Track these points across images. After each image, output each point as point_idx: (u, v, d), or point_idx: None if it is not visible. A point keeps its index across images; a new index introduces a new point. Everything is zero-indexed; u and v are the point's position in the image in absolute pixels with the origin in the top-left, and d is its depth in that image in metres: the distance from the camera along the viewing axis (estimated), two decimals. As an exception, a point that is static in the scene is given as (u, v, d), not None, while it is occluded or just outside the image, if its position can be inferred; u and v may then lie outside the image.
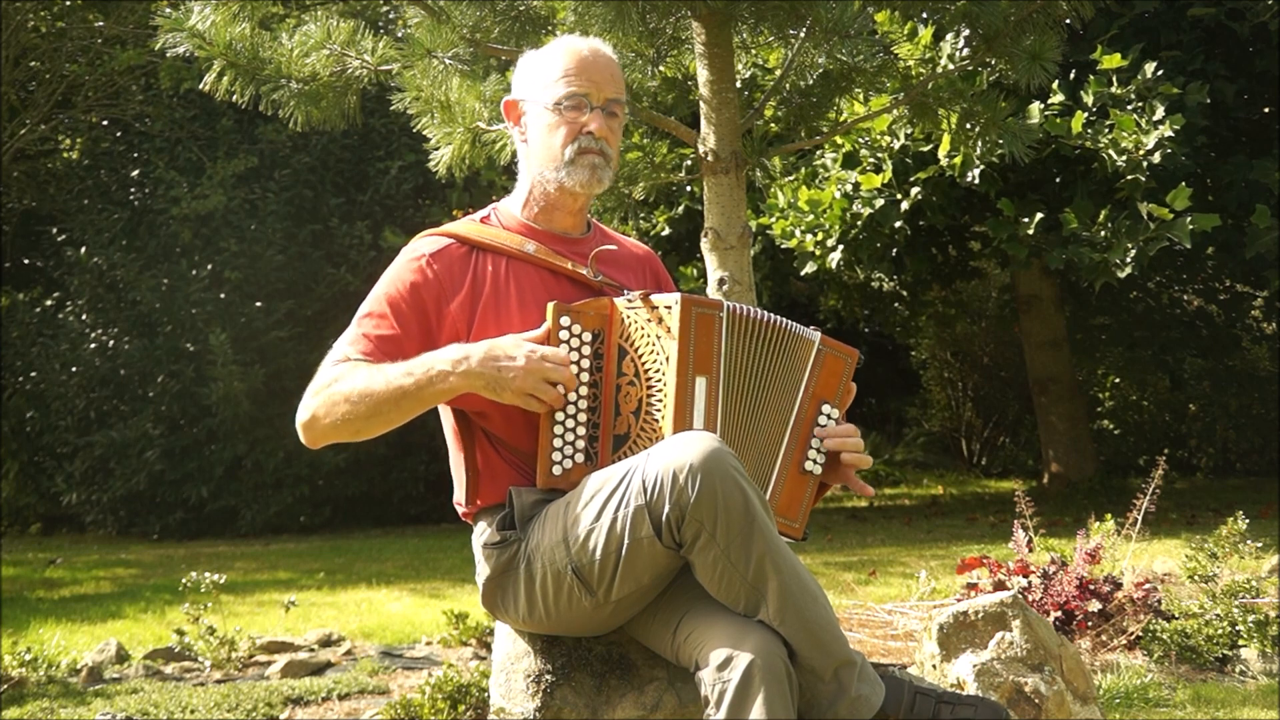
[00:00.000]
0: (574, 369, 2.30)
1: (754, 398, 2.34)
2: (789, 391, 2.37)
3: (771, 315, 2.37)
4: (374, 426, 2.31)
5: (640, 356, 2.29)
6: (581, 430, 2.30)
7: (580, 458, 2.30)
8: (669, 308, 2.26)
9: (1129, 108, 7.35)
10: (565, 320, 2.31)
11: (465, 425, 2.42)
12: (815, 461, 2.39)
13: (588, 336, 2.32)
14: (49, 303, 11.75)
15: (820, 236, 8.57)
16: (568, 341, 2.31)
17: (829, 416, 2.40)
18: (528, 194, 2.51)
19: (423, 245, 2.45)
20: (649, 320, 2.28)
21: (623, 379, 2.30)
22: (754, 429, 2.34)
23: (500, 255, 2.44)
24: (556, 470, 2.30)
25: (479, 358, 2.26)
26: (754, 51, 5.09)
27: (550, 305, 2.32)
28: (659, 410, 2.25)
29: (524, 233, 2.48)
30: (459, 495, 2.46)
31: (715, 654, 2.09)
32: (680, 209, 9.96)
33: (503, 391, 2.26)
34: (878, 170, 8.21)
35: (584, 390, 2.31)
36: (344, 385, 2.29)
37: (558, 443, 2.30)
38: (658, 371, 2.26)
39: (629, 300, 2.32)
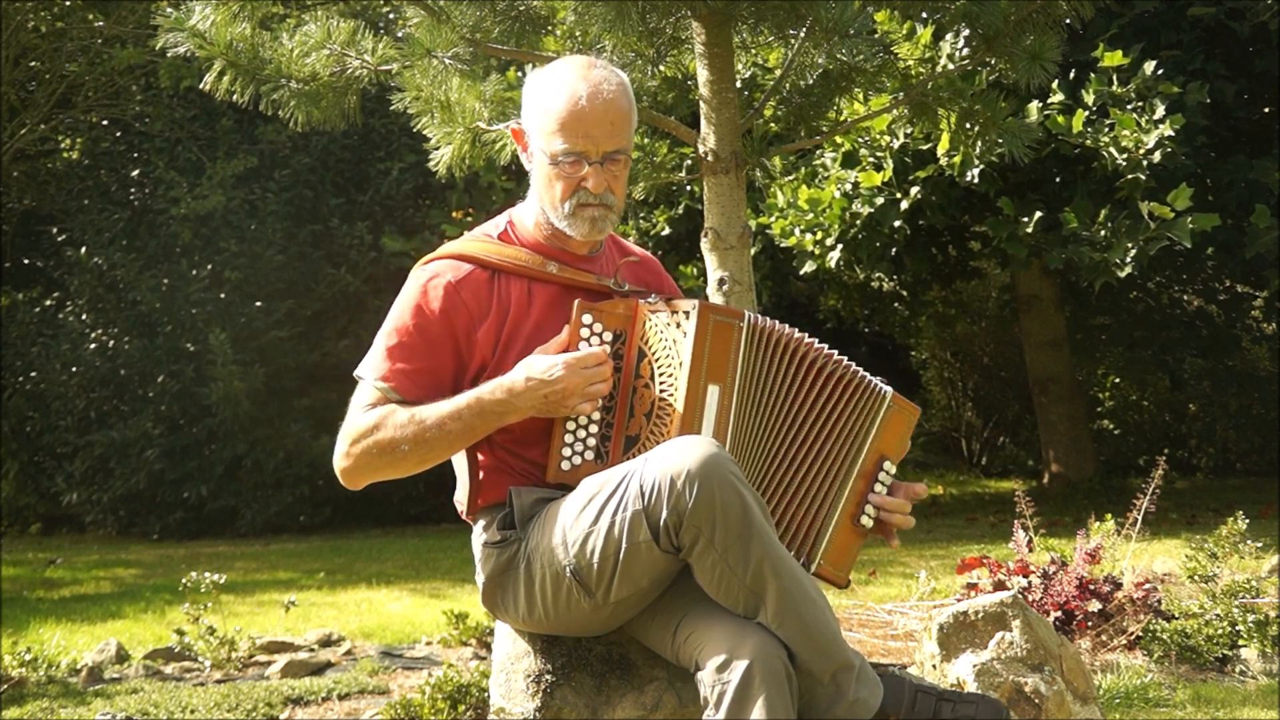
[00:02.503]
0: None
1: (780, 415, 2.34)
2: (853, 441, 2.39)
3: (840, 357, 2.38)
4: (422, 467, 2.35)
5: (657, 360, 2.29)
6: (595, 429, 2.32)
7: (591, 455, 2.31)
8: (687, 313, 2.26)
9: (1129, 107, 7.34)
10: (588, 319, 2.32)
11: None
12: (870, 516, 2.42)
13: (609, 336, 2.33)
14: (49, 303, 11.74)
15: (820, 236, 8.56)
16: (588, 340, 2.32)
17: (888, 474, 2.42)
18: (537, 218, 2.46)
19: (446, 272, 2.38)
20: (668, 324, 2.29)
21: (639, 380, 2.31)
22: (777, 445, 2.34)
23: (523, 278, 2.41)
24: (566, 466, 2.31)
25: (521, 390, 2.26)
26: (754, 51, 5.08)
27: (575, 303, 2.33)
28: (670, 414, 2.25)
29: (543, 251, 2.44)
30: (459, 496, 2.46)
31: (715, 655, 2.09)
32: (680, 209, 9.95)
33: (557, 410, 2.28)
34: (878, 169, 8.21)
35: (608, 359, 2.32)
36: (390, 433, 2.29)
37: (569, 439, 2.31)
38: (671, 376, 2.27)
39: (652, 303, 2.33)
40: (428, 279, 2.38)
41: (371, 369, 2.35)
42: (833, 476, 2.39)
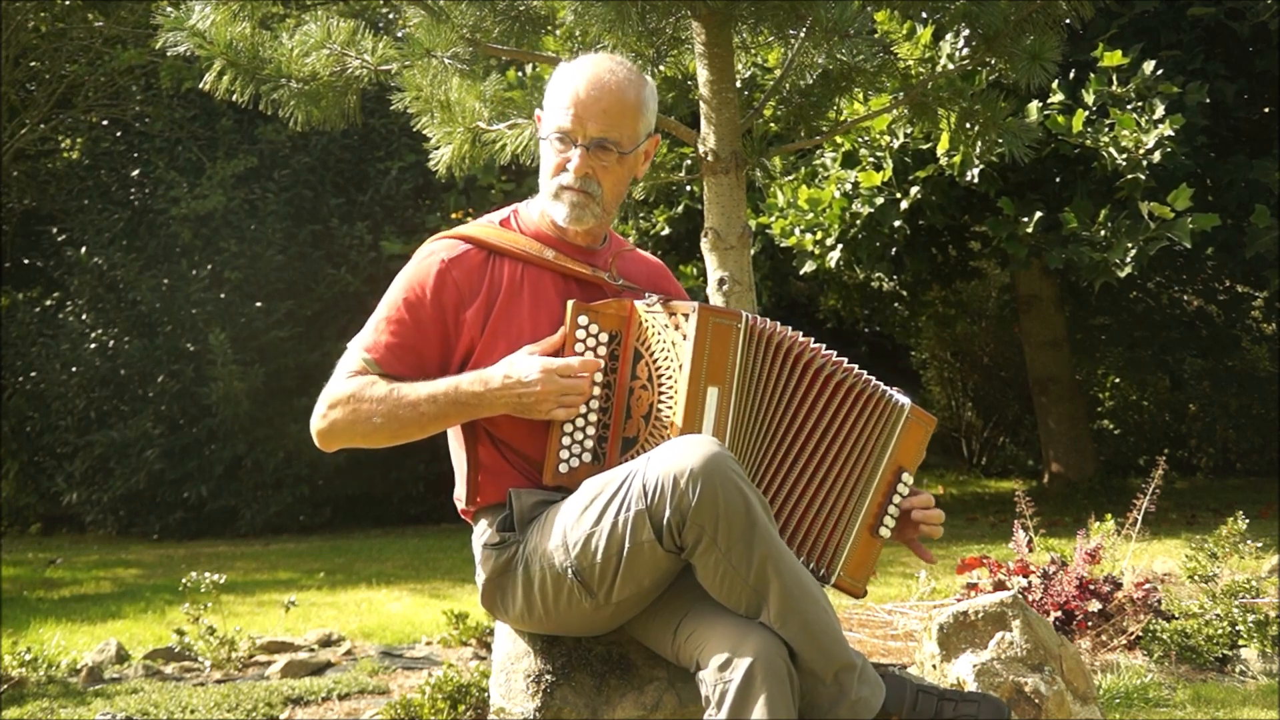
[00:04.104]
0: None
1: (782, 419, 2.34)
2: (872, 454, 2.42)
3: (856, 369, 2.39)
4: (395, 442, 2.37)
5: (655, 361, 2.29)
6: (591, 430, 2.31)
7: (588, 457, 2.31)
8: (686, 315, 2.26)
9: (1129, 107, 7.34)
10: (584, 319, 2.32)
11: (469, 423, 2.42)
12: (888, 527, 2.44)
13: (604, 337, 2.33)
14: (49, 303, 11.74)
15: (820, 236, 8.56)
16: (584, 341, 2.32)
17: (906, 484, 2.46)
18: (542, 208, 2.49)
19: (441, 250, 2.43)
20: (666, 326, 2.28)
21: (635, 382, 2.31)
22: (781, 449, 2.35)
23: (517, 260, 2.43)
24: (563, 468, 2.31)
25: (498, 387, 2.28)
26: (754, 51, 5.08)
27: (570, 304, 2.33)
28: (669, 416, 2.25)
29: (542, 239, 2.47)
30: (459, 492, 2.46)
31: (716, 654, 2.09)
32: (680, 209, 9.95)
33: (531, 412, 2.29)
34: (878, 169, 8.21)
35: (597, 390, 2.32)
36: (366, 403, 2.31)
37: (566, 441, 2.31)
38: (670, 378, 2.26)
39: (648, 304, 2.32)
40: (425, 257, 2.43)
41: (360, 339, 2.41)
42: (852, 489, 2.41)
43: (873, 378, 2.43)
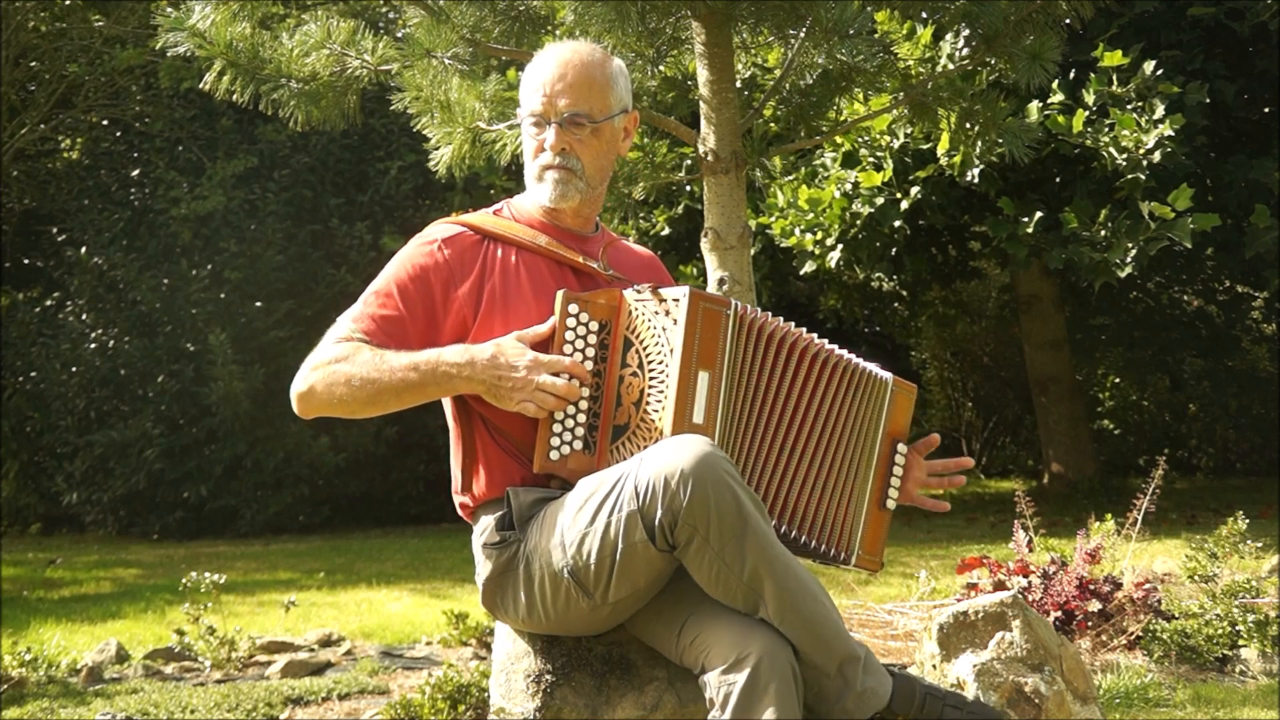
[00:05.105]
0: (579, 357, 2.32)
1: (777, 405, 2.36)
2: (867, 432, 2.48)
3: (833, 347, 2.43)
4: (370, 410, 2.37)
5: (645, 348, 2.30)
6: (582, 418, 2.32)
7: (579, 445, 2.31)
8: (676, 301, 2.27)
9: (1129, 107, 7.34)
10: (574, 309, 2.33)
11: (464, 411, 2.43)
12: (892, 498, 2.52)
13: (595, 326, 2.34)
14: (49, 303, 11.74)
15: (820, 236, 8.56)
16: (574, 330, 2.33)
17: (901, 454, 2.52)
18: (535, 198, 2.52)
19: (436, 230, 2.47)
20: (656, 312, 2.30)
21: (626, 370, 2.32)
22: (778, 436, 2.36)
23: (511, 245, 2.46)
24: (554, 455, 2.31)
25: (483, 364, 2.29)
26: (754, 51, 5.08)
27: (559, 293, 2.35)
28: (659, 402, 2.26)
29: (535, 226, 2.50)
30: (456, 480, 2.46)
31: (721, 657, 2.09)
32: (680, 209, 9.94)
33: (504, 400, 2.30)
34: (878, 169, 8.21)
35: (587, 379, 2.32)
36: (347, 367, 2.32)
37: (557, 428, 2.32)
38: (660, 363, 2.28)
39: (638, 292, 2.34)
40: (420, 238, 2.48)
41: (350, 311, 2.44)
42: (855, 469, 2.46)
43: (853, 356, 2.47)
